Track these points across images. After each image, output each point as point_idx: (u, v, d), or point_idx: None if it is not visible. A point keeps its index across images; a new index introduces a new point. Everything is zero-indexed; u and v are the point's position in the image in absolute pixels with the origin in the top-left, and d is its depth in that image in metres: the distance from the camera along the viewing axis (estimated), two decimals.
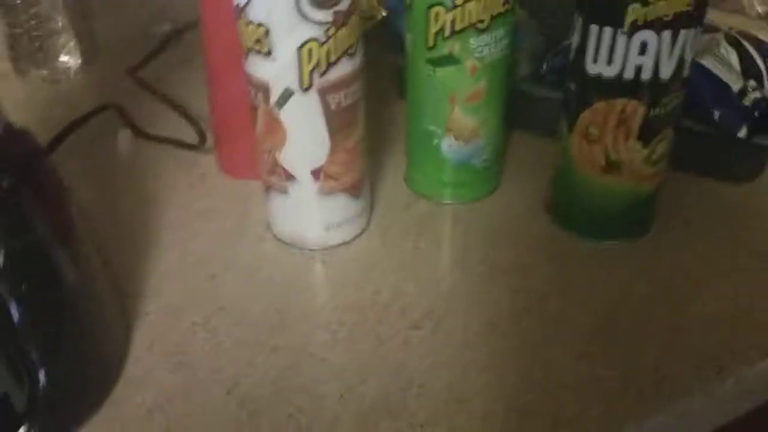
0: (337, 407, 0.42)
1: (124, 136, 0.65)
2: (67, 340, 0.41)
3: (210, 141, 0.62)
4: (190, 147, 0.63)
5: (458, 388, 0.42)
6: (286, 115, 0.47)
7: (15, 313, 0.37)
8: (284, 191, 0.50)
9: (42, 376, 0.39)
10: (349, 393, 0.42)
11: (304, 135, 0.47)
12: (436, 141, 0.54)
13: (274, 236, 0.54)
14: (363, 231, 0.54)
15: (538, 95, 0.62)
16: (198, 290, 0.50)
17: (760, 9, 0.83)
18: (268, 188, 0.52)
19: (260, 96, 0.47)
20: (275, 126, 0.47)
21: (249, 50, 0.45)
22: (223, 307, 0.48)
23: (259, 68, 0.46)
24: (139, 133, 0.65)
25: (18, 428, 0.39)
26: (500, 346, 0.45)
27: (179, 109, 0.67)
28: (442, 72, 0.51)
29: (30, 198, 0.39)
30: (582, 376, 0.43)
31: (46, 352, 0.39)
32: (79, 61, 0.74)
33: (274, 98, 0.46)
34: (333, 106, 0.47)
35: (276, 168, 0.49)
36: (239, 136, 0.58)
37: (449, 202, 0.57)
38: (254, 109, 0.48)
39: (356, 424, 0.41)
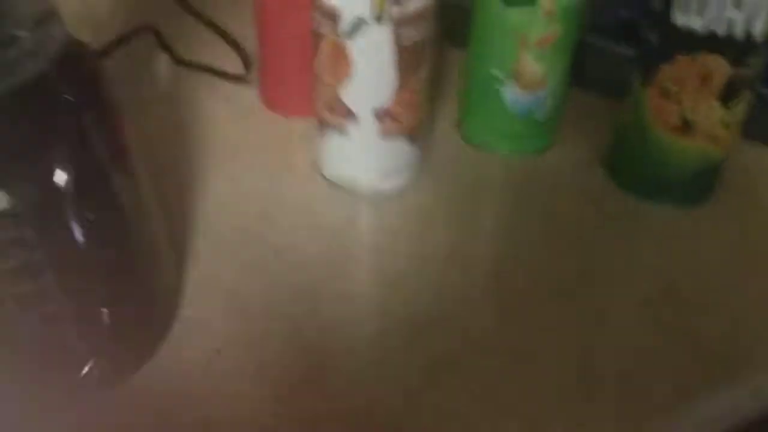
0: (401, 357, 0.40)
1: (161, 62, 0.61)
2: (127, 275, 0.39)
3: (254, 73, 0.59)
4: (234, 78, 0.60)
5: (522, 350, 0.41)
6: (354, 46, 0.44)
7: (80, 243, 0.35)
8: (342, 130, 0.47)
9: (105, 311, 0.37)
10: (411, 345, 0.41)
11: (372, 70, 0.44)
12: (498, 88, 0.51)
13: (323, 177, 0.51)
14: (415, 179, 0.52)
15: (602, 48, 0.59)
16: (249, 229, 0.47)
17: None
18: (323, 126, 0.49)
19: (327, 24, 0.44)
20: (341, 58, 0.44)
21: None
22: (277, 247, 0.46)
23: None
24: (178, 59, 0.62)
25: (83, 367, 0.37)
26: (561, 306, 0.43)
27: (224, 36, 0.63)
28: (515, 11, 0.48)
29: (93, 118, 0.36)
30: (645, 343, 0.42)
31: (108, 286, 0.37)
32: None
33: (343, 27, 0.43)
34: (404, 41, 0.44)
35: (336, 104, 0.46)
36: (289, 70, 0.55)
37: (505, 153, 0.54)
38: (317, 38, 0.45)
39: (421, 377, 0.39)
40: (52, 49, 0.33)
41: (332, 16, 0.43)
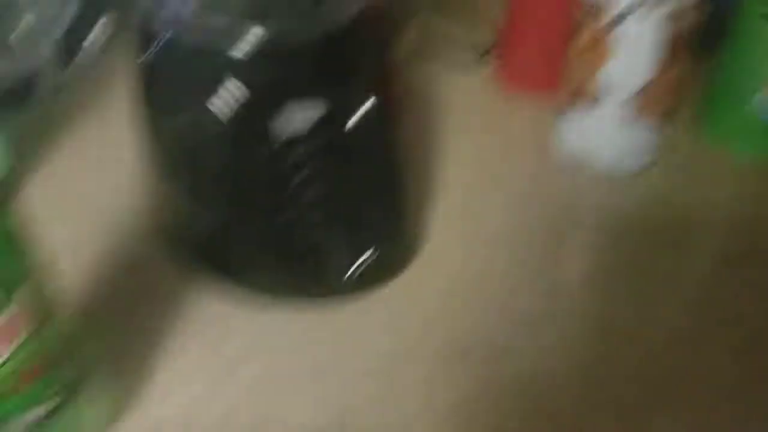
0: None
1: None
2: (388, 194, 0.44)
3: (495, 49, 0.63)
4: (475, 51, 0.63)
5: None
6: (616, 35, 0.47)
7: (359, 159, 0.41)
8: (589, 112, 0.51)
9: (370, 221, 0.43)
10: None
11: (631, 58, 0.48)
12: (751, 96, 0.53)
13: (559, 155, 0.55)
14: (652, 165, 0.54)
15: None
16: (482, 204, 0.51)
17: None
18: (571, 105, 0.53)
19: (590, 12, 0.48)
20: (600, 46, 0.48)
21: None
22: (507, 224, 0.50)
23: None
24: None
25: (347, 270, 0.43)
26: None
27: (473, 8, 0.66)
28: None
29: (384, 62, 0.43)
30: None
31: (373, 200, 0.43)
32: None
33: (608, 17, 0.47)
34: (668, 33, 0.47)
35: (588, 87, 0.51)
36: (531, 48, 0.59)
37: (745, 154, 0.55)
38: (577, 24, 0.49)
39: None
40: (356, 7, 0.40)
41: (596, 5, 0.47)
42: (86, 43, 0.60)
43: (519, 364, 0.41)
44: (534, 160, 0.55)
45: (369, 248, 0.43)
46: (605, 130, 0.52)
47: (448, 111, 0.60)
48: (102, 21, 0.61)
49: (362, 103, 0.40)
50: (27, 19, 0.56)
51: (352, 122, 0.40)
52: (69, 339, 0.33)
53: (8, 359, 0.29)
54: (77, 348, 0.33)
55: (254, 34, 0.36)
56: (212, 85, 0.38)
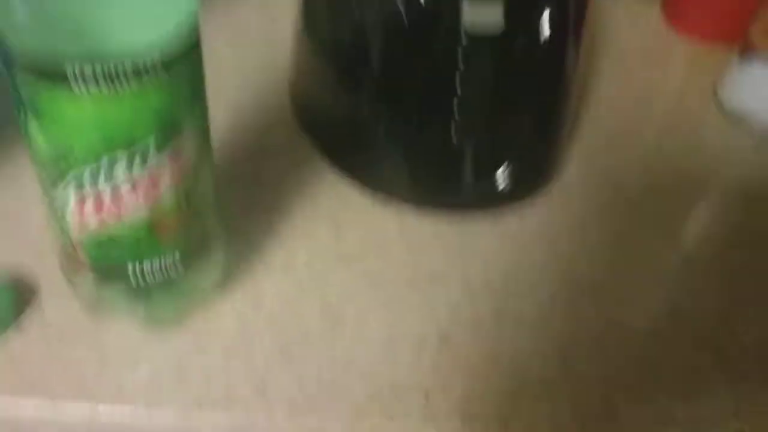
0: None
1: None
2: (553, 101, 0.41)
3: None
4: None
5: None
6: None
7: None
8: (763, 68, 0.46)
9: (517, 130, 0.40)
10: None
11: None
12: None
13: (719, 108, 0.50)
14: None
15: None
16: (635, 140, 0.48)
17: None
18: (747, 54, 0.47)
19: None
20: None
21: None
22: (647, 169, 0.46)
23: None
24: None
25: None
26: None
27: None
28: None
29: None
30: None
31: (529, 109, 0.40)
32: None
33: None
34: None
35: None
36: None
37: None
38: None
39: None
40: None
41: None
42: None
43: (631, 314, 0.38)
44: (690, 107, 0.50)
45: (512, 161, 0.40)
46: None
47: (612, 38, 0.55)
48: None
49: (546, 8, 0.36)
50: None
51: (530, 28, 0.36)
52: (208, 194, 0.32)
53: (156, 202, 0.28)
54: (213, 205, 0.33)
55: None
56: None
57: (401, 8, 0.35)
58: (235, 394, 0.32)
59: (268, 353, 0.34)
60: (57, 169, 0.27)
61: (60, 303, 0.35)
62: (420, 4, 0.35)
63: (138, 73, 0.25)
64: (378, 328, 0.36)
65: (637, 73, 0.53)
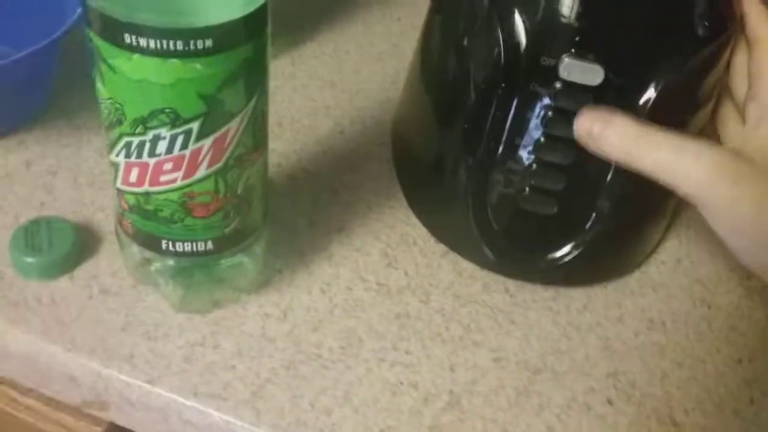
0: None
1: None
2: (637, 189, 0.36)
3: None
4: None
5: None
6: None
7: None
8: None
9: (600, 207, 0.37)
10: None
11: None
12: None
13: None
14: None
15: None
16: None
17: None
18: None
19: None
20: None
21: None
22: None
23: None
24: None
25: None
26: None
27: None
28: None
29: None
30: None
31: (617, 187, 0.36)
32: None
33: None
34: None
35: None
36: None
37: None
38: None
39: None
40: None
41: None
42: None
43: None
44: None
45: (590, 239, 0.37)
46: None
47: None
48: None
49: (657, 78, 0.33)
50: None
51: (639, 98, 0.33)
52: (254, 188, 0.32)
53: (194, 183, 0.29)
54: (259, 201, 0.33)
55: None
56: (506, 13, 0.33)
57: (494, 56, 0.34)
58: (230, 395, 0.32)
59: (276, 365, 0.34)
60: (113, 134, 0.29)
61: (115, 262, 0.37)
62: (520, 55, 0.33)
63: (188, 47, 0.25)
64: (390, 372, 0.34)
65: None
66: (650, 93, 0.33)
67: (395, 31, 0.53)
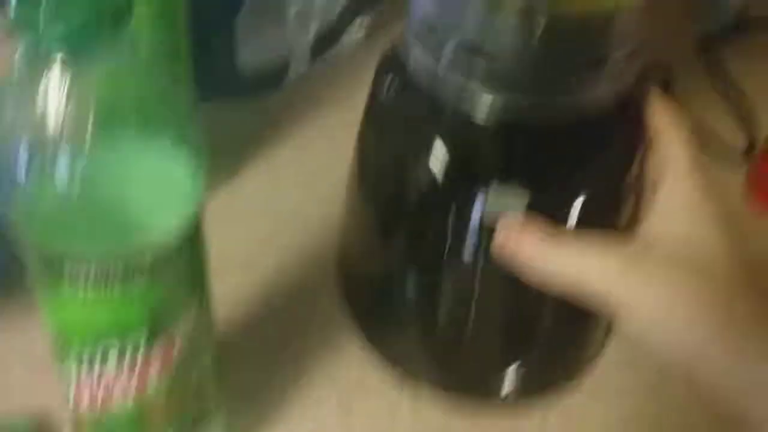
0: None
1: None
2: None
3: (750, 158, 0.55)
4: (727, 151, 0.56)
5: None
6: None
7: None
8: None
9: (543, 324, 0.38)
10: None
11: None
12: None
13: None
14: None
15: None
16: None
17: None
18: None
19: None
20: None
21: None
22: None
23: None
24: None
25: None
26: None
27: (737, 107, 0.60)
28: None
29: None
30: None
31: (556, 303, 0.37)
32: None
33: None
34: None
35: None
36: None
37: None
38: None
39: None
40: (625, 85, 0.35)
41: None
42: (341, 39, 0.61)
43: None
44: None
45: (534, 357, 0.39)
46: None
47: None
48: (358, 21, 0.61)
49: (579, 199, 0.35)
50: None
51: (564, 220, 0.35)
52: (206, 373, 0.33)
53: (147, 387, 0.29)
54: (212, 381, 0.34)
55: (490, 101, 0.33)
56: (433, 139, 0.35)
57: (429, 185, 0.35)
58: None
59: None
60: (60, 347, 0.30)
61: None
62: (451, 183, 0.35)
63: (130, 272, 0.26)
64: None
65: None
66: (574, 212, 0.35)
67: (327, 150, 0.54)
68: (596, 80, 0.33)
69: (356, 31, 0.62)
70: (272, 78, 0.57)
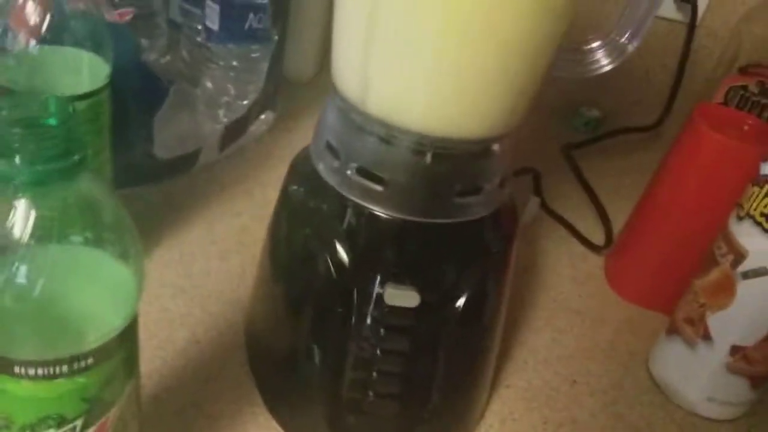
0: None
1: (533, 204, 0.68)
2: (463, 377, 0.44)
3: (609, 248, 0.64)
4: (589, 245, 0.65)
5: None
6: (745, 287, 0.46)
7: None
8: (691, 345, 0.50)
9: (434, 399, 0.43)
10: None
11: (752, 313, 0.47)
12: None
13: (648, 372, 0.54)
14: (738, 418, 0.52)
15: None
16: (558, 392, 0.51)
17: None
18: (673, 331, 0.52)
19: (728, 257, 0.47)
20: (726, 290, 0.47)
21: (746, 216, 0.46)
22: (576, 421, 0.49)
23: (748, 238, 0.46)
24: (546, 205, 0.68)
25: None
26: None
27: (596, 204, 0.69)
28: None
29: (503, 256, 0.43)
30: None
31: (446, 380, 0.43)
32: None
33: (743, 268, 0.46)
34: None
35: (698, 323, 0.49)
36: (650, 263, 0.59)
37: None
38: (711, 262, 0.48)
39: None
40: (499, 202, 0.42)
41: (737, 254, 0.46)
42: (248, 130, 0.66)
43: None
44: (620, 369, 0.54)
45: (423, 426, 0.43)
46: (701, 370, 0.50)
47: (551, 291, 0.60)
48: (265, 115, 0.67)
49: (463, 292, 0.41)
50: (216, 89, 0.62)
51: (451, 309, 0.41)
52: None
53: None
54: None
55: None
56: (338, 232, 0.40)
57: (333, 275, 0.40)
58: None
59: None
60: (2, 427, 0.32)
61: None
62: (348, 278, 0.40)
63: (72, 367, 0.29)
64: None
65: (573, 328, 0.57)
66: (459, 303, 0.41)
67: (237, 227, 0.59)
68: (474, 204, 0.40)
69: (261, 124, 0.68)
70: (184, 164, 0.62)
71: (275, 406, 0.45)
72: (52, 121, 0.26)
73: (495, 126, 0.38)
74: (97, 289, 0.29)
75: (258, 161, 0.66)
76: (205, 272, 0.54)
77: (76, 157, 0.25)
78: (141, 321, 0.44)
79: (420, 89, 0.36)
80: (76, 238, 0.27)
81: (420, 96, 0.37)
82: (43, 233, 0.26)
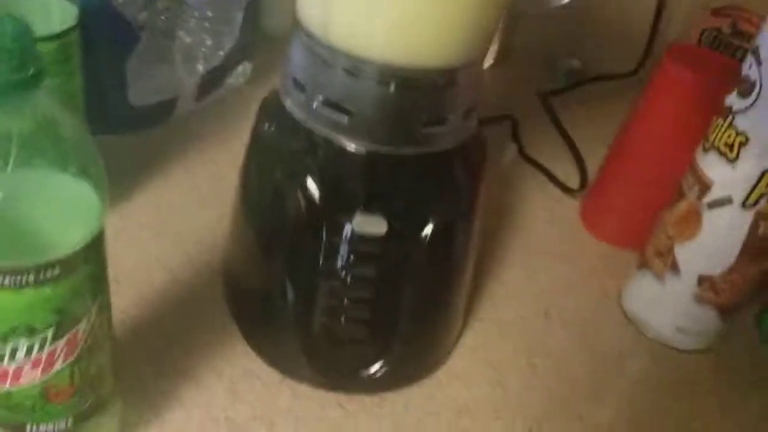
0: None
1: (511, 151, 0.69)
2: (432, 306, 0.46)
3: (585, 191, 0.65)
4: (564, 188, 0.66)
5: None
6: (710, 217, 0.47)
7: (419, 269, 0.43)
8: (660, 278, 0.51)
9: (403, 327, 0.44)
10: None
11: (717, 243, 0.48)
12: None
13: (621, 307, 0.55)
14: (708, 348, 0.53)
15: None
16: (531, 324, 0.52)
17: None
18: (644, 266, 0.53)
19: (695, 189, 0.48)
20: (693, 221, 0.48)
21: (711, 148, 0.46)
22: (549, 352, 0.50)
23: (713, 168, 0.47)
24: (523, 152, 0.69)
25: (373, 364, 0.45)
26: None
27: (571, 147, 0.70)
28: None
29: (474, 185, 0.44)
30: None
31: (415, 308, 0.44)
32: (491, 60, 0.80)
33: (708, 199, 0.47)
34: (759, 231, 0.46)
35: (666, 255, 0.50)
36: (624, 203, 0.60)
37: None
38: (679, 195, 0.49)
39: None
40: (466, 134, 0.43)
41: (703, 186, 0.47)
42: (226, 81, 0.66)
43: None
44: (592, 304, 0.55)
45: (397, 349, 0.44)
46: (670, 302, 0.51)
47: (526, 233, 0.61)
48: (242, 66, 0.67)
49: (430, 222, 0.42)
50: (192, 41, 0.62)
51: (419, 239, 0.42)
52: (104, 365, 0.36)
53: (51, 376, 0.33)
54: (109, 374, 0.37)
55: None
56: (308, 168, 0.41)
57: (303, 209, 0.41)
58: None
59: None
60: None
61: None
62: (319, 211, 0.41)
63: (38, 277, 0.29)
64: None
65: (548, 268, 0.58)
66: (426, 232, 0.42)
67: (215, 176, 0.59)
68: (440, 134, 0.41)
69: (238, 76, 0.68)
70: (161, 114, 0.62)
71: (252, 336, 0.46)
72: (7, 38, 0.26)
73: (455, 56, 0.39)
74: (59, 203, 0.29)
75: (236, 112, 0.66)
76: (183, 217, 0.55)
77: (32, 70, 0.26)
78: (119, 261, 0.46)
79: (380, 17, 0.37)
80: (36, 152, 0.28)
81: (381, 24, 0.37)
82: (1, 148, 0.27)
